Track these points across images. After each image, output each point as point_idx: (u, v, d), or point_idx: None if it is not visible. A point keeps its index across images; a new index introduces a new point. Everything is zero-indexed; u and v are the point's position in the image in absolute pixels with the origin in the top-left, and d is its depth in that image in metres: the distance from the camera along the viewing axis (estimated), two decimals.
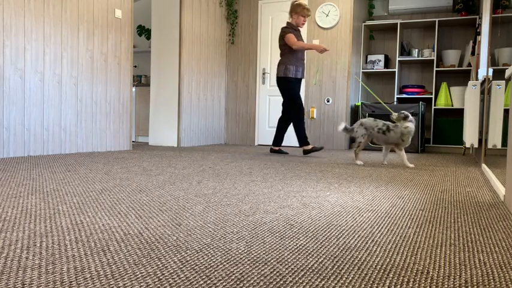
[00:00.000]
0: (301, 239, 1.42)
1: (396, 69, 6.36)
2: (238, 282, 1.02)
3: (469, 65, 5.99)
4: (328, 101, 6.25)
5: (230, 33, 6.85)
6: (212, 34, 6.46)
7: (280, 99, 6.60)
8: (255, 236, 1.44)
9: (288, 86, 4.84)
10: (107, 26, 4.82)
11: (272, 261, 1.19)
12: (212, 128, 6.62)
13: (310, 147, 4.85)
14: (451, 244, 1.40)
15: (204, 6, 6.21)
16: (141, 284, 1.00)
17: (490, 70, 3.91)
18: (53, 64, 4.26)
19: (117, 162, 3.64)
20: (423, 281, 1.06)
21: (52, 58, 4.24)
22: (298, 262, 1.18)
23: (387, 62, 6.55)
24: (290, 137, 6.53)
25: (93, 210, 1.78)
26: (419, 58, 6.28)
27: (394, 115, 4.02)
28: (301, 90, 6.49)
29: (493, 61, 3.89)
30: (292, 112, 4.86)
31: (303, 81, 6.43)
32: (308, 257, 1.23)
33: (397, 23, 6.34)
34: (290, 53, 4.83)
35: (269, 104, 6.65)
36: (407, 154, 5.52)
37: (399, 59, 6.33)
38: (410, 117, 3.95)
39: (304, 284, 1.03)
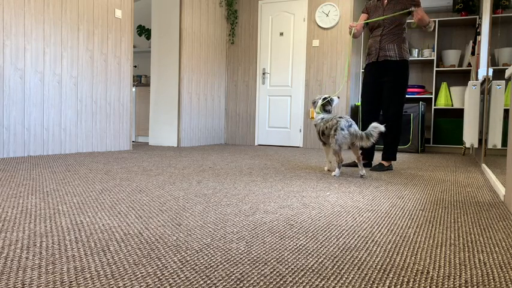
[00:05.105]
0: (301, 239, 1.42)
1: None
2: (238, 282, 1.02)
3: (469, 65, 5.99)
4: None
5: (230, 33, 6.85)
6: (212, 34, 6.46)
7: (281, 100, 6.57)
8: (255, 236, 1.44)
9: (408, 74, 3.62)
10: (107, 26, 4.82)
11: (272, 261, 1.18)
12: (212, 128, 6.62)
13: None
14: (451, 244, 1.40)
15: (204, 6, 6.21)
16: (141, 284, 1.00)
17: (490, 70, 3.91)
18: (53, 64, 4.26)
19: (117, 162, 3.64)
20: (423, 281, 1.06)
21: (52, 58, 4.24)
22: (298, 262, 1.18)
23: None
24: (291, 137, 6.52)
25: (93, 210, 1.78)
26: (419, 58, 6.28)
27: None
28: (301, 90, 6.49)
29: (493, 61, 3.89)
30: (400, 112, 3.59)
31: (303, 82, 6.41)
32: (308, 257, 1.22)
33: None
34: (404, 30, 3.64)
35: (269, 104, 6.65)
36: (408, 154, 5.52)
37: None
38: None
39: (304, 284, 1.03)
